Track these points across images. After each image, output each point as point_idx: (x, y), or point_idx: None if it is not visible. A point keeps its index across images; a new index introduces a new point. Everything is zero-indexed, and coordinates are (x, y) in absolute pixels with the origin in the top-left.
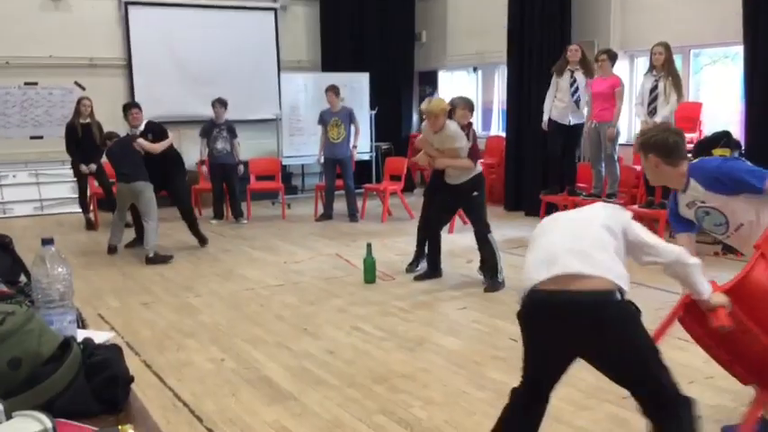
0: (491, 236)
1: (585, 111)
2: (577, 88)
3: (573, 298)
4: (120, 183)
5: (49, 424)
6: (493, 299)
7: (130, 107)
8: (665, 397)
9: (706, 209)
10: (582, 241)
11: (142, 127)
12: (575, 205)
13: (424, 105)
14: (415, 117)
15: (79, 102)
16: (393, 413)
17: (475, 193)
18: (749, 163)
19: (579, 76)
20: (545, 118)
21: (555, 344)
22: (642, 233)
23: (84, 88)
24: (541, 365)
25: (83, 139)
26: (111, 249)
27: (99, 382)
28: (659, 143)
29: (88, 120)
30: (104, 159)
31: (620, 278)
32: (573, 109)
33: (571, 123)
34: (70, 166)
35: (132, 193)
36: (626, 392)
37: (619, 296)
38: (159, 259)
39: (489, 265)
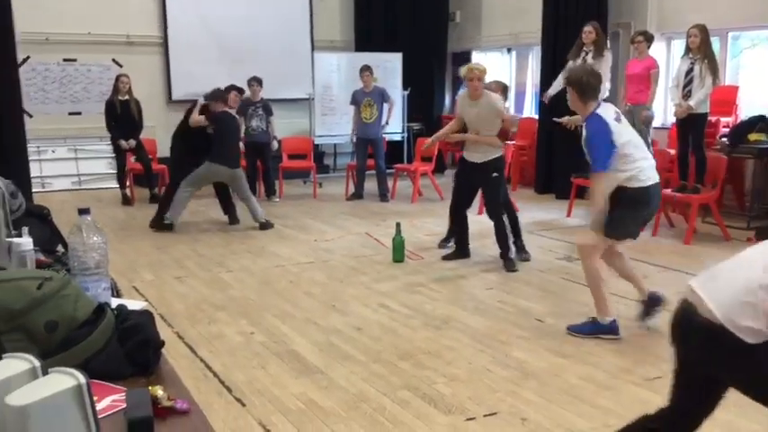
0: (503, 217)
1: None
2: None
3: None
4: (221, 165)
5: (83, 380)
6: (519, 279)
7: (230, 90)
8: None
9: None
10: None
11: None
12: None
13: (463, 69)
14: (447, 98)
15: (118, 79)
16: (417, 389)
17: (495, 174)
18: (619, 138)
19: (588, 58)
20: (549, 92)
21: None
22: None
23: (121, 65)
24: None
25: (121, 116)
26: (169, 227)
27: (131, 346)
28: (578, 81)
29: (126, 96)
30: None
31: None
32: None
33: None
34: (109, 142)
35: (231, 176)
36: (650, 374)
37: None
38: (269, 224)
39: (500, 245)
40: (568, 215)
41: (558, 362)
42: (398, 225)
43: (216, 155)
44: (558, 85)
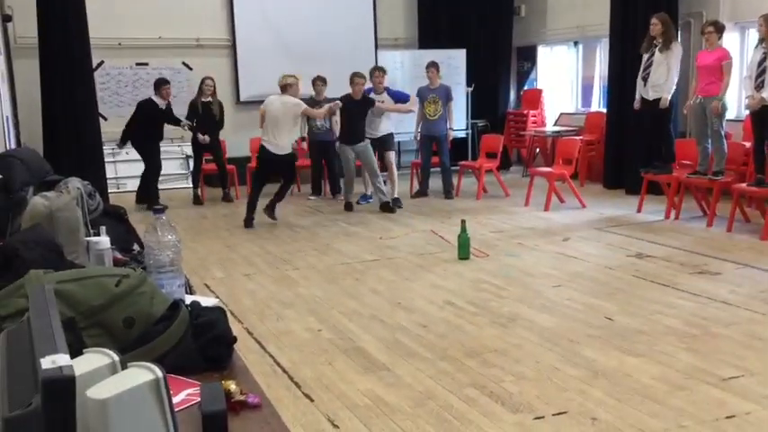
0: None
1: (663, 84)
2: (651, 63)
3: None
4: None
5: (160, 374)
6: (588, 277)
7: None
8: None
9: None
10: None
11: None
12: (678, 184)
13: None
14: (512, 93)
15: (203, 82)
16: (484, 387)
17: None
18: None
19: (657, 51)
20: (637, 96)
21: None
22: None
23: (191, 68)
24: None
25: (202, 116)
26: (348, 206)
27: (205, 342)
28: None
29: (210, 98)
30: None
31: None
32: (647, 84)
33: (651, 98)
34: (181, 143)
35: (359, 152)
36: (726, 374)
37: None
38: (399, 203)
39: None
40: (639, 211)
41: (629, 361)
42: (464, 222)
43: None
44: (638, 86)
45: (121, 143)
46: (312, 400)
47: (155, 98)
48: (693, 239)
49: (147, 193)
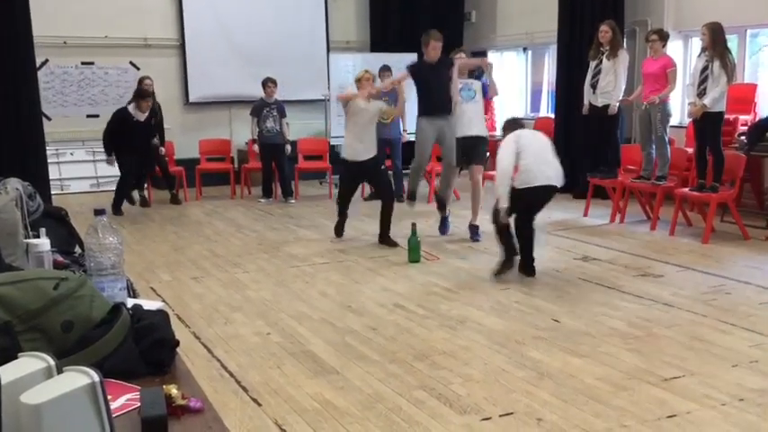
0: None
1: (611, 91)
2: (600, 70)
3: None
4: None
5: (96, 378)
6: (536, 280)
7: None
8: None
9: None
10: None
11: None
12: (623, 189)
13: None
14: None
15: (141, 81)
16: (433, 389)
17: None
18: None
19: (604, 58)
20: (585, 102)
21: None
22: None
23: (138, 68)
24: None
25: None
26: (412, 196)
27: (146, 345)
28: None
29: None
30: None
31: None
32: (596, 91)
33: (600, 105)
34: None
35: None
36: (667, 374)
37: None
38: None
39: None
40: (585, 214)
41: (574, 362)
42: (414, 225)
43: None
44: (585, 92)
45: (107, 154)
46: (260, 405)
47: (131, 108)
48: (637, 243)
49: (119, 202)
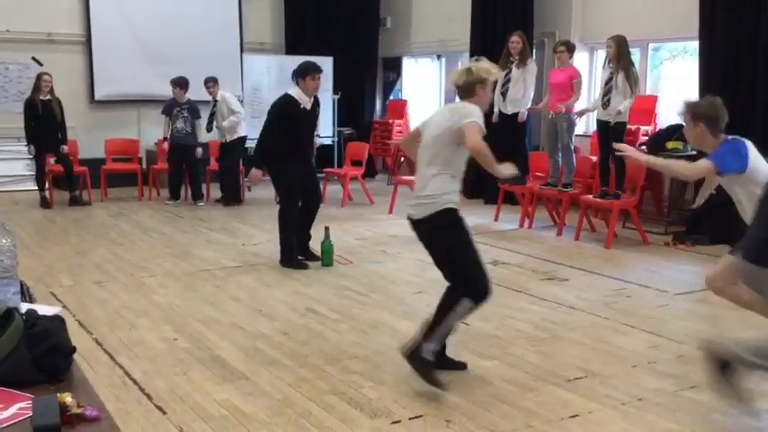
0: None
1: (520, 99)
2: (509, 79)
3: None
4: None
5: None
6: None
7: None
8: None
9: None
10: None
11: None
12: (532, 195)
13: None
14: (378, 103)
15: (39, 77)
16: (344, 393)
17: None
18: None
19: (514, 67)
20: (495, 110)
21: None
22: None
23: (41, 64)
24: None
25: (43, 116)
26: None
27: (40, 352)
28: (707, 115)
29: (48, 96)
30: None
31: None
32: (506, 99)
33: (509, 112)
34: (26, 143)
35: None
36: (571, 375)
37: None
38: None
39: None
40: (496, 220)
41: (482, 364)
42: (327, 229)
43: None
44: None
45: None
46: (165, 413)
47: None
48: (544, 247)
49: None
